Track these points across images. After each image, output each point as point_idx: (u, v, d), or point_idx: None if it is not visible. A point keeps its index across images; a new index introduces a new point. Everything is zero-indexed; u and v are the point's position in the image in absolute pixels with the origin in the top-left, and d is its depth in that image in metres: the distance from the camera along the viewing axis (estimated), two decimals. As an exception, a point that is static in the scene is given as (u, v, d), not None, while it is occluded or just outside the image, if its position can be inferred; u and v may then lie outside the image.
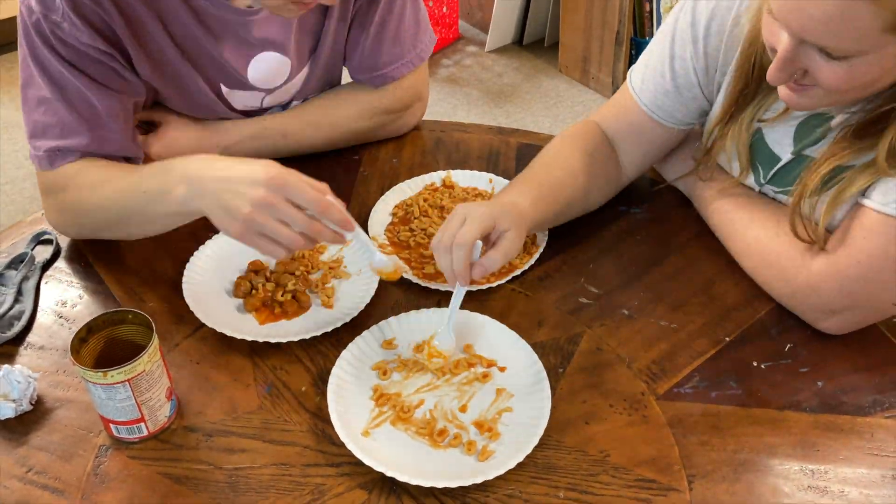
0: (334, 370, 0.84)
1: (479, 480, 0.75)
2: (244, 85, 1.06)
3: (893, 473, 0.77)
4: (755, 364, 0.88)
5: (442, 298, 0.96)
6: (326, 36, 1.09)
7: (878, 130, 0.81)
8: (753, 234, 0.95)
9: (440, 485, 0.74)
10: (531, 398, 0.83)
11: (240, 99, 1.09)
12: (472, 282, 0.89)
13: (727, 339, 0.91)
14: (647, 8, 2.78)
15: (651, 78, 0.98)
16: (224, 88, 1.06)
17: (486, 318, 0.91)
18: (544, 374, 0.84)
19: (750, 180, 0.98)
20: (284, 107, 1.15)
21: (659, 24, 2.82)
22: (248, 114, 1.12)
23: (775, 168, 0.94)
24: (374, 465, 0.75)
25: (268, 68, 1.05)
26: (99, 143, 0.95)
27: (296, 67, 1.08)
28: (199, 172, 0.84)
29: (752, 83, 0.90)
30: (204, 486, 0.76)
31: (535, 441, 0.78)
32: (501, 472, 0.76)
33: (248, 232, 0.80)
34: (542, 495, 0.76)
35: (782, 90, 0.82)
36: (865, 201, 0.84)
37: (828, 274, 0.87)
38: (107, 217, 0.94)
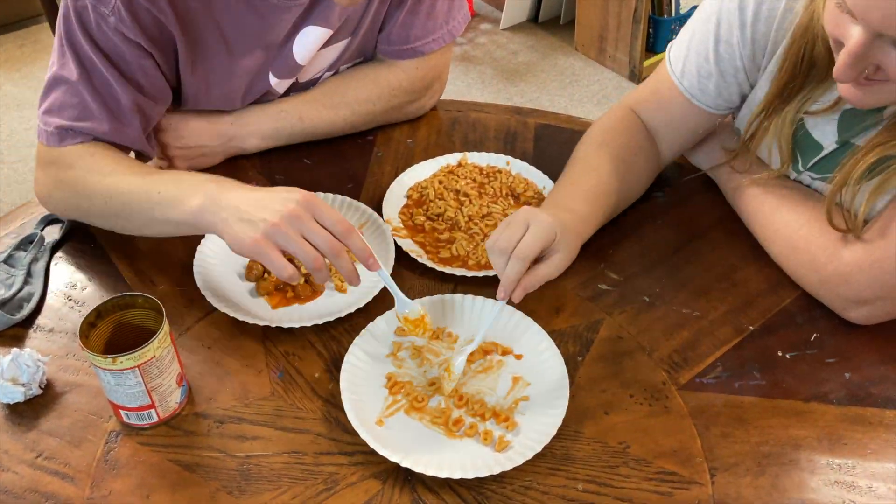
0: (347, 357, 0.83)
1: (496, 472, 0.73)
2: (292, 70, 1.04)
3: (923, 469, 0.75)
4: (780, 354, 0.86)
5: (458, 283, 0.94)
6: (371, 7, 1.06)
7: None
8: (782, 218, 0.92)
9: (456, 475, 0.73)
10: (549, 387, 0.81)
11: (282, 86, 1.07)
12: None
13: (751, 327, 0.89)
14: (666, -15, 2.72)
15: (694, 61, 0.94)
16: (273, 79, 1.04)
17: (502, 304, 0.89)
18: (562, 362, 0.82)
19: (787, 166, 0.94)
20: (311, 84, 1.13)
21: (678, 1, 2.76)
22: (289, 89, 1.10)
23: (817, 157, 0.91)
24: (389, 454, 0.74)
25: (313, 41, 1.03)
26: (114, 134, 0.94)
27: (334, 37, 1.05)
28: (222, 192, 0.84)
29: (800, 76, 0.86)
30: (215, 473, 0.75)
31: (554, 432, 0.76)
32: (519, 462, 0.74)
33: (266, 242, 0.79)
34: (560, 487, 0.74)
35: (845, 87, 0.76)
36: None
37: (861, 263, 0.84)
38: (106, 206, 0.92)
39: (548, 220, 0.84)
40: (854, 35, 0.70)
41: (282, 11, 0.97)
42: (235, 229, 0.81)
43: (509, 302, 0.85)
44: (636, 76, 2.80)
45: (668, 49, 0.99)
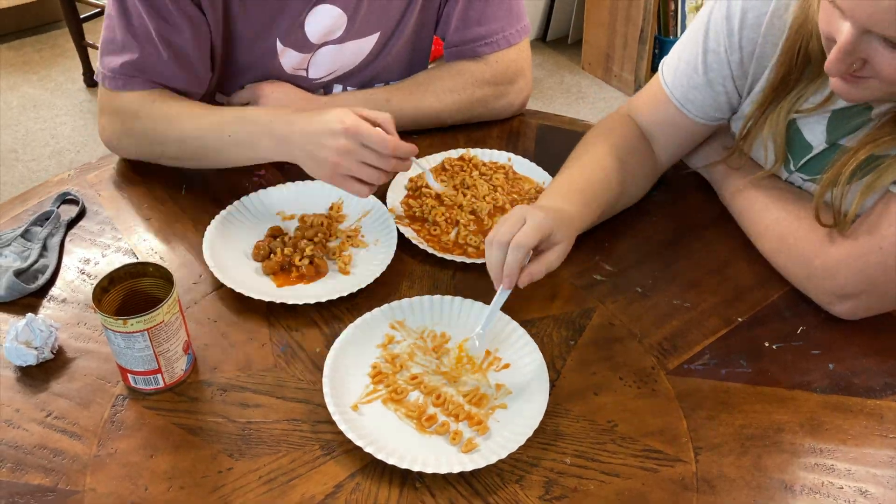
0: (337, 341, 0.85)
1: (455, 470, 0.74)
2: (300, 43, 1.09)
3: (901, 454, 0.78)
4: (766, 344, 0.89)
5: (457, 270, 0.97)
6: (415, 6, 1.12)
7: None
8: (773, 215, 0.95)
9: (415, 468, 0.74)
10: (528, 401, 0.81)
11: (289, 60, 1.12)
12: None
13: (739, 319, 0.92)
14: (672, 6, 2.78)
15: (684, 72, 0.97)
16: (279, 46, 1.09)
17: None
18: (546, 376, 0.82)
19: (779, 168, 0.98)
20: (363, 86, 1.19)
21: (683, 22, 2.82)
22: (297, 79, 1.15)
23: (807, 157, 0.94)
24: (355, 439, 0.75)
25: (327, 19, 1.08)
26: (172, 78, 1.05)
27: (359, 28, 1.09)
28: (284, 130, 0.97)
29: (795, 71, 0.89)
30: (217, 437, 0.78)
31: (522, 441, 0.76)
32: (481, 465, 0.74)
33: (336, 175, 0.95)
34: (549, 460, 0.76)
35: (835, 81, 0.80)
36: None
37: (847, 258, 0.87)
38: (180, 150, 1.05)
39: (542, 213, 0.87)
40: (844, 31, 0.74)
41: None
42: (309, 165, 0.97)
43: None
44: (641, 95, 2.85)
45: (662, 61, 1.02)
